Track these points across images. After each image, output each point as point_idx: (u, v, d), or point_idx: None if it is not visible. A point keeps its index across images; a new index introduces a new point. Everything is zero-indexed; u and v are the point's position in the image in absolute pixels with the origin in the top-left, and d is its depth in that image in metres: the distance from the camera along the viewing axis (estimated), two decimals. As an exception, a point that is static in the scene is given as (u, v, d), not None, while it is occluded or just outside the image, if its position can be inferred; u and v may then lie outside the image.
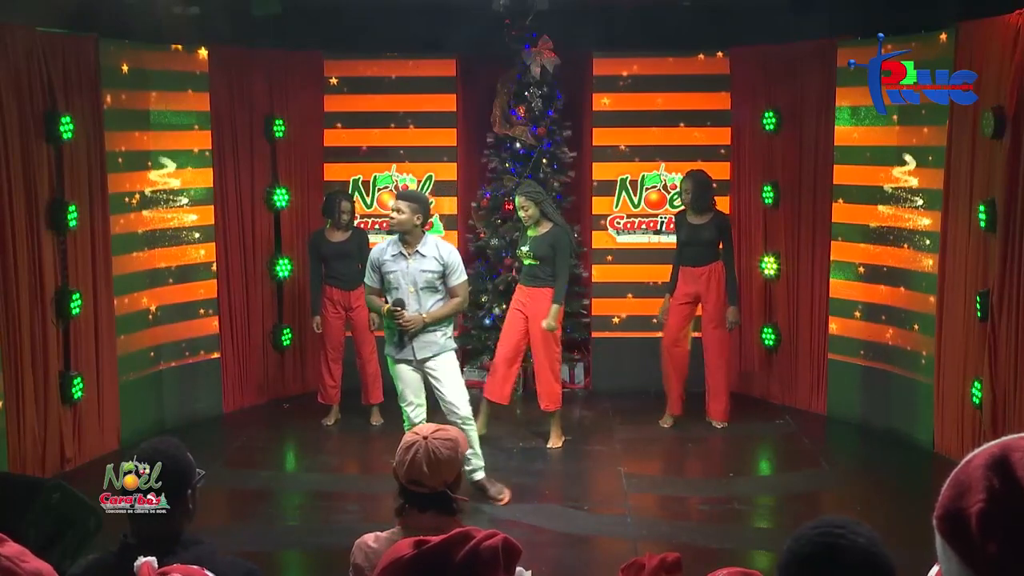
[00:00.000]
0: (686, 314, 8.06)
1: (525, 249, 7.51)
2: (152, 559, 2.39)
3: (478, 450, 6.60)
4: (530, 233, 7.50)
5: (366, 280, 6.57)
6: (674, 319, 8.05)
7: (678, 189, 8.26)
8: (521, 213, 7.45)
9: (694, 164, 8.96)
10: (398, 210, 6.31)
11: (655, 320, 8.30)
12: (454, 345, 6.55)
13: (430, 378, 6.47)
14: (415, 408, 6.50)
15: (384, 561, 1.86)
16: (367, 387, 8.30)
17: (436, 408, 6.55)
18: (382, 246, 6.48)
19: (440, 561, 1.79)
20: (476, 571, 1.78)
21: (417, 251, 6.30)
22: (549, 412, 7.69)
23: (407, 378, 6.45)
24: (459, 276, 6.39)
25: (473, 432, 6.56)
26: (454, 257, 6.38)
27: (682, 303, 8.03)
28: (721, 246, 7.97)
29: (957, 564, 1.29)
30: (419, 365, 6.42)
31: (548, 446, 7.69)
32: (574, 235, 8.58)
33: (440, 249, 6.37)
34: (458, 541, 1.81)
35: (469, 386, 9.16)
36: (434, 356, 6.40)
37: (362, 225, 8.81)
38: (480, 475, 6.62)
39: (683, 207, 8.25)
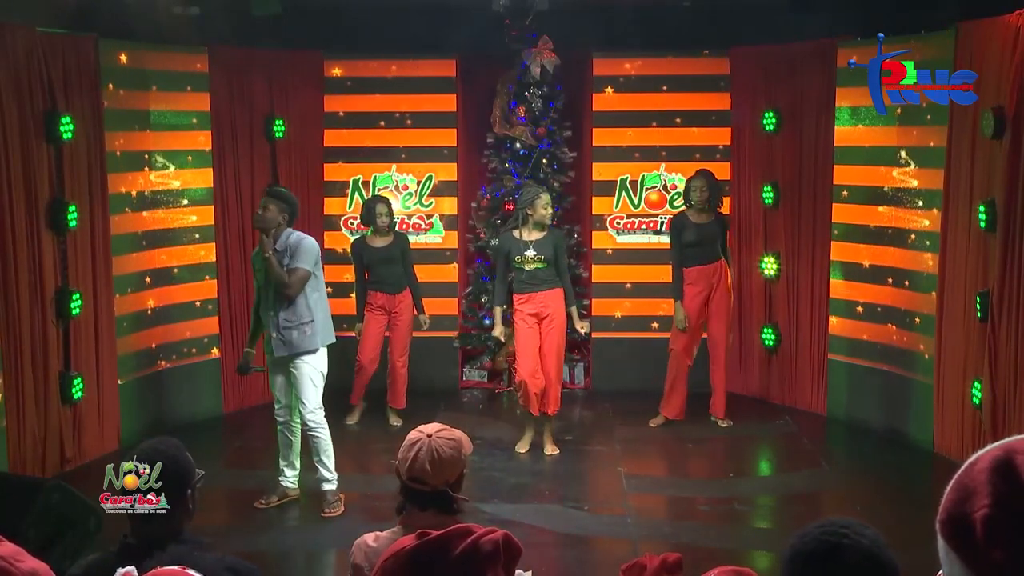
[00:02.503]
0: (702, 315, 8.06)
1: (532, 254, 7.32)
2: (132, 568, 2.39)
3: (329, 462, 6.46)
4: (529, 237, 7.36)
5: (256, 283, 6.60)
6: (696, 320, 8.04)
7: (686, 188, 8.11)
8: (549, 210, 7.35)
9: (694, 164, 8.98)
10: (265, 207, 6.31)
11: (680, 327, 8.05)
12: (314, 345, 6.34)
13: (291, 377, 6.42)
14: (281, 407, 6.52)
15: (386, 553, 1.86)
16: (394, 390, 8.26)
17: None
18: (257, 248, 6.50)
19: (440, 553, 1.80)
20: (476, 564, 1.78)
21: (276, 249, 6.28)
22: (550, 417, 7.60)
23: (274, 374, 6.50)
24: (296, 262, 6.23)
25: (320, 440, 6.42)
26: (301, 244, 6.25)
27: (697, 306, 8.00)
28: (720, 244, 8.02)
29: (960, 569, 1.27)
30: (280, 363, 6.41)
31: (547, 453, 7.60)
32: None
33: (290, 239, 6.28)
34: (459, 534, 1.82)
35: (470, 387, 9.28)
36: (293, 356, 6.34)
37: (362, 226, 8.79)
38: (328, 486, 6.50)
39: (683, 208, 8.25)
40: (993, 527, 1.23)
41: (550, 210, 7.39)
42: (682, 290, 8.00)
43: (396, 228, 8.30)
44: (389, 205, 8.18)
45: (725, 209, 9.06)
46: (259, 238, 6.36)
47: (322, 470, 6.49)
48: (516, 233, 7.40)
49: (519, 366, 7.51)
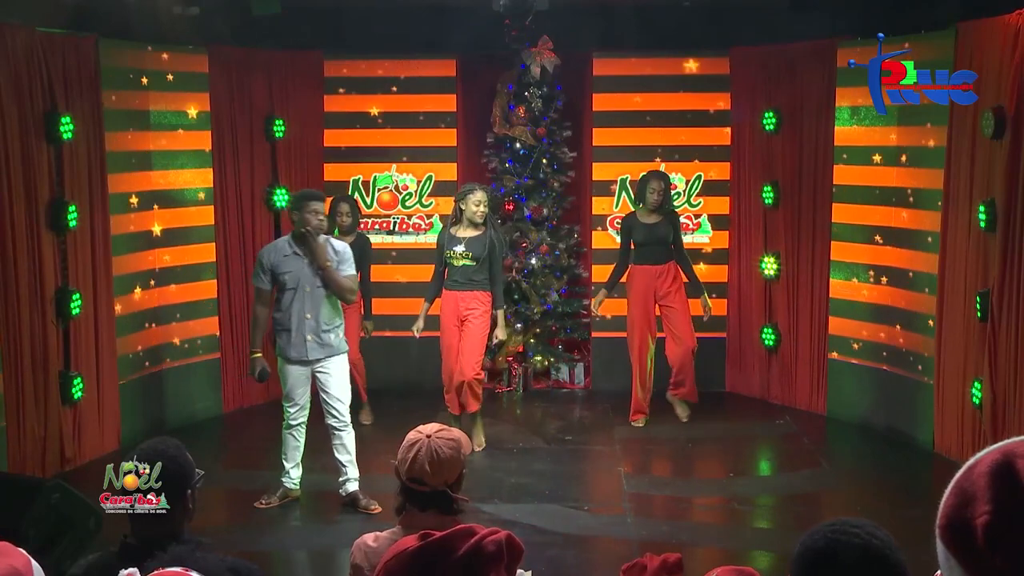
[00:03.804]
0: (652, 313, 8.05)
1: (460, 249, 7.29)
2: (134, 570, 2.39)
3: (354, 459, 6.52)
4: (462, 234, 7.32)
5: (255, 283, 6.47)
6: (643, 320, 8.05)
7: (640, 189, 8.06)
8: (480, 208, 7.27)
9: (694, 164, 8.99)
10: (321, 213, 6.34)
11: (595, 316, 8.25)
12: (345, 346, 6.54)
13: (318, 379, 6.44)
14: (299, 409, 6.48)
15: (389, 554, 1.87)
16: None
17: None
18: (274, 246, 6.45)
19: (444, 554, 1.80)
20: (478, 564, 1.78)
21: None
22: (472, 413, 7.54)
23: (297, 377, 6.43)
24: (350, 267, 6.40)
25: (351, 437, 6.50)
26: (346, 249, 6.44)
27: (645, 305, 8.01)
28: (673, 244, 8.04)
29: (961, 574, 1.26)
30: (310, 365, 6.40)
31: (475, 448, 7.49)
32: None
33: (334, 245, 6.41)
34: (462, 535, 1.82)
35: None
36: (327, 357, 6.40)
37: (363, 226, 8.77)
38: (353, 486, 6.53)
39: (634, 208, 8.27)
40: (994, 533, 1.21)
41: (483, 208, 7.29)
42: (613, 283, 8.09)
43: (358, 228, 8.19)
44: (352, 204, 8.16)
45: (725, 209, 9.07)
46: (310, 244, 6.26)
47: (353, 469, 6.50)
48: (452, 229, 7.39)
49: (444, 367, 7.48)
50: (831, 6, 8.06)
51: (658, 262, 8.00)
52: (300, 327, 6.34)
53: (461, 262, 7.31)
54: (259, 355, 6.50)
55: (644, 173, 8.24)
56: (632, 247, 8.11)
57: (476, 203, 7.29)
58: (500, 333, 7.51)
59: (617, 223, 9.13)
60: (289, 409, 6.51)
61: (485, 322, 7.39)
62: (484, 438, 7.67)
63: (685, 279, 8.09)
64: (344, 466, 6.51)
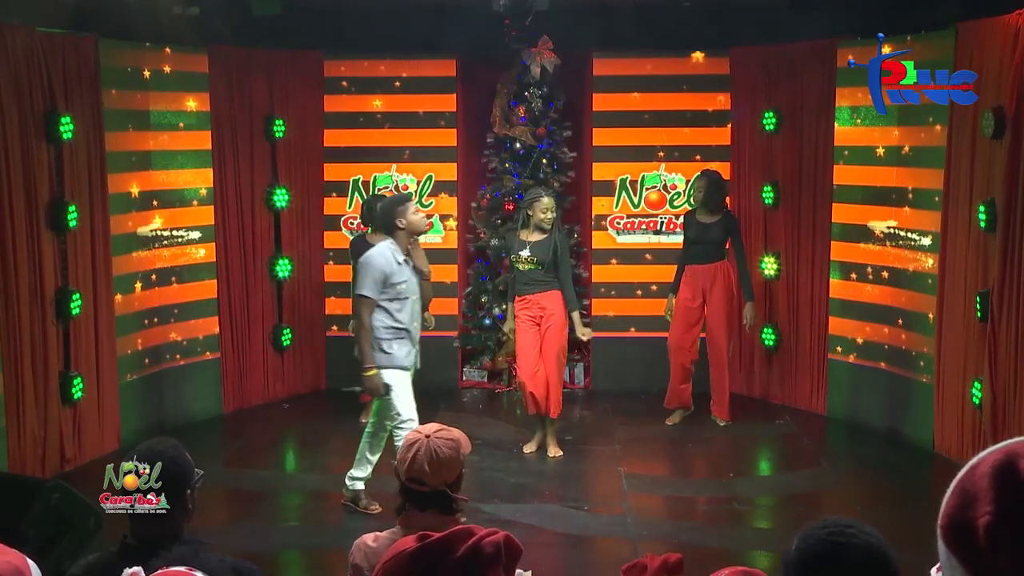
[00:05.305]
0: (695, 314, 8.06)
1: (526, 254, 7.30)
2: (139, 569, 2.39)
3: (374, 462, 6.43)
4: (528, 238, 7.34)
5: (370, 294, 6.05)
6: (682, 319, 8.05)
7: (690, 187, 8.17)
8: (548, 214, 7.29)
9: (694, 164, 8.98)
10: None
11: (667, 318, 8.18)
12: None
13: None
14: (413, 420, 6.20)
15: (387, 555, 1.86)
16: None
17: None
18: (383, 255, 6.09)
19: (442, 555, 1.80)
20: (477, 566, 1.78)
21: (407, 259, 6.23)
22: (552, 419, 7.57)
23: (409, 385, 6.27)
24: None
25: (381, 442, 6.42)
26: None
27: (689, 303, 8.02)
28: (729, 245, 8.04)
29: (963, 574, 1.25)
30: (409, 375, 6.33)
31: (549, 455, 7.54)
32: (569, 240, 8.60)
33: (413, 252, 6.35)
34: (461, 536, 1.82)
35: (470, 387, 9.28)
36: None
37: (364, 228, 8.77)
38: (360, 485, 6.46)
39: (694, 206, 8.30)
40: (996, 534, 1.21)
41: (550, 214, 7.32)
42: (677, 285, 8.06)
43: None
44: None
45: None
46: (413, 249, 6.16)
47: (371, 471, 6.46)
48: (518, 233, 7.42)
49: (518, 367, 7.52)
50: (831, 6, 8.07)
51: (705, 261, 8.00)
52: (414, 335, 6.23)
53: (527, 266, 7.33)
54: (376, 370, 6.14)
55: (699, 173, 8.27)
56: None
57: (543, 209, 7.31)
58: (582, 334, 7.51)
59: (617, 223, 9.17)
60: (409, 422, 6.09)
61: (563, 323, 7.39)
62: (559, 445, 7.61)
63: (736, 282, 8.04)
64: (369, 464, 6.47)
